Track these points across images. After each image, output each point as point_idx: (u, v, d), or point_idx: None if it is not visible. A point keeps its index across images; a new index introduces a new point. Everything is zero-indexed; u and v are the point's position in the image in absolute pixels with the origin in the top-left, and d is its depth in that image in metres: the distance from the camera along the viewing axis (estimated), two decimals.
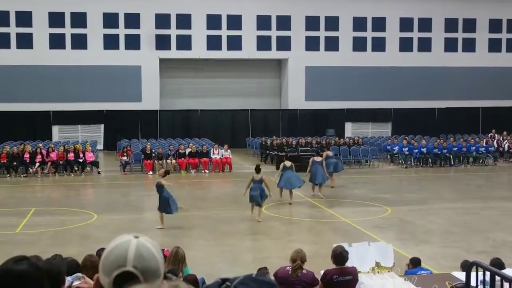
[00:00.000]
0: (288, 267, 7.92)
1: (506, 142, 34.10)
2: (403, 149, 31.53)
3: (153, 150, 29.45)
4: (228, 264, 12.77)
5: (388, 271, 8.60)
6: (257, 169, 18.04)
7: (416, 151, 31.15)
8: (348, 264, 8.19)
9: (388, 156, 32.72)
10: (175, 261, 8.29)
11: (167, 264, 8.15)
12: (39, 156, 27.98)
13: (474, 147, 32.20)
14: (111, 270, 2.04)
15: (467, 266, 7.03)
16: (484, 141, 33.56)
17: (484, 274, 6.77)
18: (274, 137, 34.36)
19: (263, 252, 13.73)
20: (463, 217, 18.05)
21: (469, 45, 42.11)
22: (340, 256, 8.04)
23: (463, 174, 28.65)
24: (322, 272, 8.15)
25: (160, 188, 16.42)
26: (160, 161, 28.72)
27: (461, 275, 8.03)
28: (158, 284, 2.07)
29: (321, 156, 22.50)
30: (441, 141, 32.74)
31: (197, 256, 12.63)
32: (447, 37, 41.88)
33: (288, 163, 20.55)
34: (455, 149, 31.79)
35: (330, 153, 25.21)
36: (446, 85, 41.22)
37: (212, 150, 29.72)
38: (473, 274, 6.65)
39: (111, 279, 2.04)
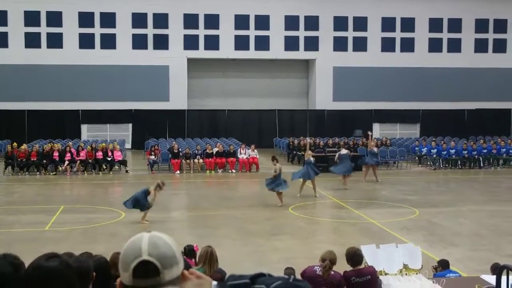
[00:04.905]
0: (315, 267, 7.83)
1: None
2: (432, 150, 31.24)
3: (180, 150, 29.59)
4: (255, 263, 12.75)
5: (416, 274, 8.52)
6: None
7: (444, 152, 30.83)
8: (374, 265, 8.14)
9: (416, 158, 32.44)
10: (210, 261, 8.18)
11: (200, 263, 8.15)
12: (68, 155, 28.27)
13: (504, 149, 31.78)
14: (128, 264, 2.12)
15: (497, 269, 6.93)
16: None
17: None
18: (302, 137, 34.27)
19: (289, 252, 13.68)
20: (492, 219, 17.81)
21: (499, 46, 41.59)
22: (355, 256, 7.98)
23: (492, 176, 28.28)
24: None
25: None
26: (187, 161, 28.86)
27: (491, 279, 7.92)
28: (178, 271, 2.12)
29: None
30: (470, 143, 32.35)
31: (223, 255, 12.58)
32: (477, 38, 41.42)
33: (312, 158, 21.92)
34: (485, 151, 31.39)
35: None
36: (476, 86, 40.76)
37: (239, 150, 29.75)
38: (503, 278, 6.54)
39: (130, 273, 2.09)
